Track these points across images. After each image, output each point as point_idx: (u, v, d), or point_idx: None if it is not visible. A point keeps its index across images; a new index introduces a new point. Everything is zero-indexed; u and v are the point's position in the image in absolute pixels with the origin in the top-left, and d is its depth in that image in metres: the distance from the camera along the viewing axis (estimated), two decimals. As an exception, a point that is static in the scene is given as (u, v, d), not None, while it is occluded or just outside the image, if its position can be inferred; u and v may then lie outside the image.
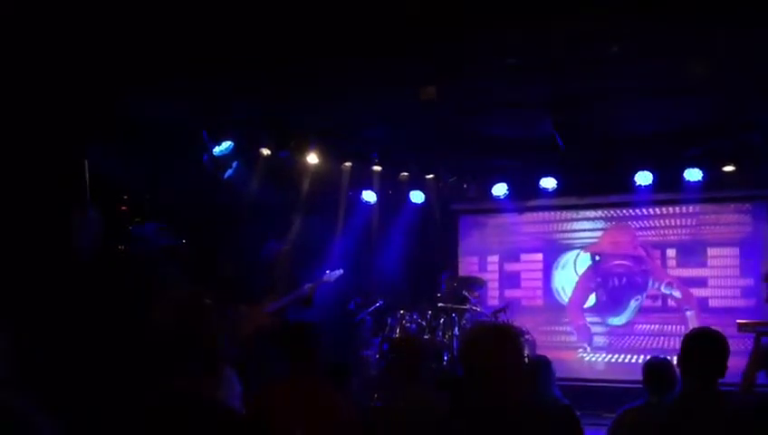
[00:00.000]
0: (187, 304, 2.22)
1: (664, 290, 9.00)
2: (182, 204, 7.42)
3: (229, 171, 7.20)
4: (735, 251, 8.78)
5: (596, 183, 9.07)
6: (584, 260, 9.40)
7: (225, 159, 7.20)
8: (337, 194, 8.85)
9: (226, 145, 7.13)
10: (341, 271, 7.28)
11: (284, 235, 7.71)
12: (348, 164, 8.55)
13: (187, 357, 2.13)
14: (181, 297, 2.26)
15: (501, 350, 2.50)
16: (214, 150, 7.09)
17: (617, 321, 9.14)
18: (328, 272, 7.22)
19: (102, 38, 5.20)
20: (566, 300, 9.43)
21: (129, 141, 6.45)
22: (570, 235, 9.56)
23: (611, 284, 9.23)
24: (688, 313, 8.81)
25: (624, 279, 9.17)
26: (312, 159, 7.92)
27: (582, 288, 9.37)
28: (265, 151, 7.47)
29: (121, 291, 6.21)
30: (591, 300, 9.33)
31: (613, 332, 9.16)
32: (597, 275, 9.32)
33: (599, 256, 9.34)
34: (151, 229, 7.22)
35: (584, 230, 9.51)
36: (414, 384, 3.95)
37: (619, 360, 9.02)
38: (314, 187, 8.28)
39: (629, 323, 9.10)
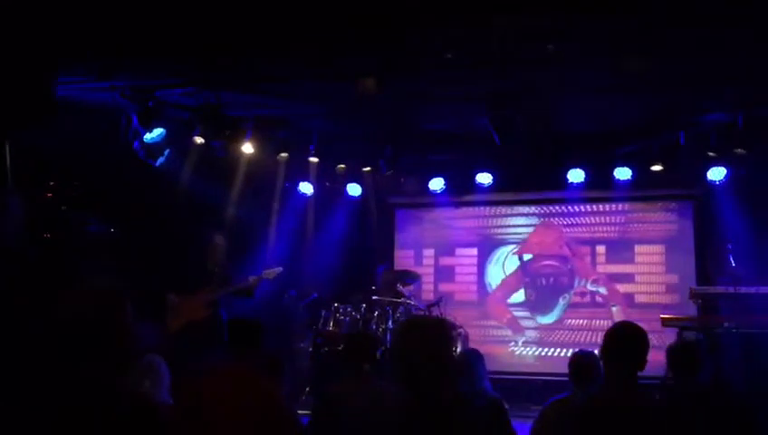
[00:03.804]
0: (99, 292, 2.19)
1: (590, 287, 9.24)
2: (112, 191, 7.22)
3: (161, 159, 7.02)
4: (661, 248, 9.06)
5: (530, 179, 9.22)
6: (512, 261, 9.56)
7: (157, 146, 7.01)
8: (273, 185, 8.75)
9: (158, 132, 6.95)
10: (281, 269, 7.22)
11: (218, 225, 7.58)
12: (284, 155, 8.45)
13: (101, 347, 2.09)
14: (92, 286, 2.23)
15: (431, 343, 2.51)
16: (145, 137, 6.90)
17: (546, 320, 9.33)
18: (267, 269, 7.15)
19: (29, 15, 4.99)
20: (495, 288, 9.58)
21: (57, 125, 6.23)
22: (504, 230, 9.71)
23: (539, 284, 9.42)
24: (614, 308, 9.06)
25: (552, 279, 9.38)
26: (248, 148, 7.80)
27: (508, 286, 9.54)
28: (199, 140, 7.32)
29: (45, 279, 6.00)
30: (518, 297, 9.49)
31: (543, 327, 9.35)
32: (525, 276, 9.49)
33: (527, 256, 9.51)
34: (79, 217, 7.00)
35: (518, 226, 9.67)
36: (367, 375, 4.03)
37: (549, 353, 9.21)
38: (250, 177, 8.16)
39: (559, 320, 9.29)
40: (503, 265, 9.59)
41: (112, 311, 2.15)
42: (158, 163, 7.08)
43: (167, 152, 7.08)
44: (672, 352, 4.25)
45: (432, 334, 2.57)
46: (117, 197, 7.24)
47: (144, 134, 6.92)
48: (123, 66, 6.14)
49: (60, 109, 5.95)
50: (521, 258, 9.54)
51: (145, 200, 7.37)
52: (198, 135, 7.33)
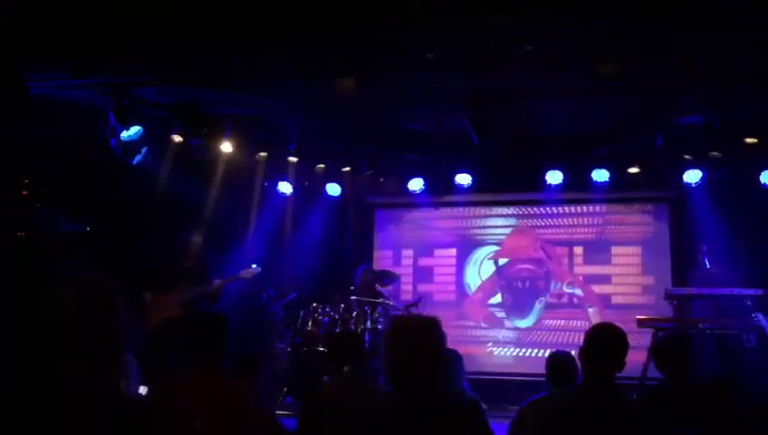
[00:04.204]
0: (92, 288, 2.16)
1: (566, 289, 9.30)
2: (88, 189, 7.14)
3: (138, 157, 6.96)
4: (638, 250, 9.14)
5: (509, 181, 9.27)
6: (488, 266, 9.60)
7: (134, 144, 6.95)
8: (252, 184, 8.71)
9: (136, 130, 6.88)
10: (259, 269, 7.18)
11: (196, 224, 7.53)
12: (263, 154, 8.41)
13: (90, 342, 2.06)
14: (85, 282, 2.19)
15: (424, 342, 2.50)
16: (122, 135, 6.83)
17: (523, 323, 9.37)
18: (246, 269, 7.11)
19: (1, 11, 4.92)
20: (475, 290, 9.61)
21: (32, 122, 6.15)
22: (483, 231, 9.74)
23: (515, 288, 9.47)
24: (590, 309, 9.13)
25: (527, 283, 9.43)
26: (227, 147, 7.75)
27: (485, 291, 9.58)
28: (177, 138, 7.25)
29: (20, 277, 5.92)
30: (495, 301, 9.54)
31: (521, 329, 9.39)
32: (501, 280, 9.54)
33: (502, 261, 9.56)
34: (53, 215, 6.92)
35: (497, 227, 9.70)
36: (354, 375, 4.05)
37: (527, 354, 9.24)
38: (228, 176, 8.11)
39: (536, 322, 9.34)
40: (478, 270, 9.62)
41: (105, 307, 2.11)
42: (135, 161, 7.01)
43: (144, 150, 7.02)
44: (660, 352, 4.20)
45: (425, 333, 2.56)
46: (93, 195, 7.16)
47: (121, 132, 6.85)
48: (99, 64, 6.08)
49: (35, 106, 5.87)
50: (496, 263, 9.59)
51: (122, 199, 7.29)
52: (176, 133, 7.27)
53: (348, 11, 5.17)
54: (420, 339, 2.54)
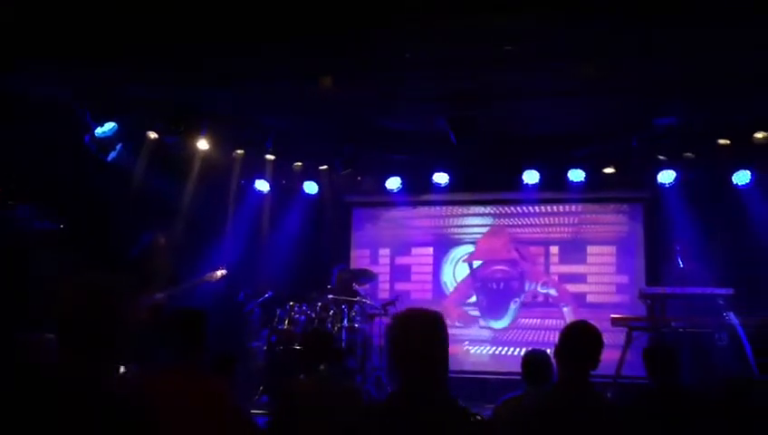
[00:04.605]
0: (92, 288, 2.17)
1: (540, 290, 9.37)
2: (61, 186, 7.04)
3: (113, 154, 6.88)
4: (612, 250, 9.23)
5: (486, 180, 9.31)
6: (463, 268, 9.64)
7: (108, 140, 6.86)
8: (228, 182, 8.65)
9: (110, 126, 6.80)
10: (225, 271, 7.09)
11: (171, 223, 7.46)
12: (240, 151, 8.36)
13: (88, 342, 2.05)
14: (95, 280, 2.21)
15: (431, 336, 2.48)
16: (96, 131, 6.74)
17: (499, 325, 9.41)
18: (212, 271, 7.03)
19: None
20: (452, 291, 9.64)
21: (4, 118, 6.06)
22: (460, 230, 9.77)
23: (490, 290, 9.51)
24: (565, 308, 9.20)
25: (502, 284, 9.48)
26: (203, 144, 7.69)
27: (460, 293, 9.61)
28: (152, 135, 7.17)
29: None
30: (471, 300, 9.57)
31: (497, 329, 9.44)
32: (476, 282, 9.58)
33: (476, 263, 9.60)
34: (26, 212, 6.82)
35: (474, 226, 9.74)
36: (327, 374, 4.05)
37: (503, 352, 9.30)
38: (205, 174, 8.05)
39: (512, 323, 9.39)
40: (453, 272, 9.66)
41: (104, 307, 2.10)
42: (109, 158, 6.93)
43: (119, 147, 6.93)
44: (651, 355, 4.20)
45: (434, 328, 2.53)
46: (67, 192, 7.07)
47: (95, 128, 6.76)
48: (74, 61, 6.00)
49: (6, 102, 5.79)
50: (470, 265, 9.63)
51: (96, 196, 7.20)
52: (152, 130, 7.20)
53: (325, 10, 5.16)
54: (433, 331, 2.50)
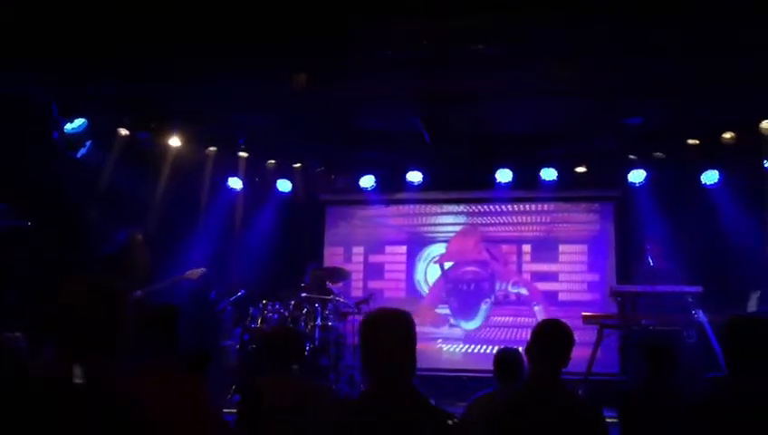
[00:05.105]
0: (102, 288, 2.18)
1: (511, 289, 9.43)
2: (30, 184, 6.92)
3: (82, 150, 6.78)
4: (584, 248, 9.32)
5: (460, 179, 9.35)
6: (434, 270, 9.67)
7: (77, 137, 6.76)
8: (201, 180, 8.57)
9: (80, 123, 6.70)
10: (204, 269, 7.06)
11: (142, 220, 7.38)
12: (213, 149, 8.29)
13: (87, 342, 2.05)
14: (95, 281, 2.21)
15: (402, 335, 2.51)
16: (65, 128, 6.64)
17: (470, 326, 9.45)
18: (192, 269, 6.99)
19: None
20: (427, 291, 9.66)
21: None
22: (433, 228, 9.80)
23: (461, 291, 9.55)
24: (536, 307, 9.27)
25: (473, 285, 9.53)
26: (175, 142, 7.61)
27: (434, 296, 9.65)
28: (123, 131, 7.08)
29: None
30: (444, 306, 9.62)
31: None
32: (448, 283, 9.61)
33: (447, 264, 9.63)
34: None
35: (447, 224, 9.78)
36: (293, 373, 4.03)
37: (476, 350, 9.34)
38: (176, 171, 7.97)
39: (483, 323, 9.43)
40: (425, 271, 9.68)
41: (103, 308, 2.09)
42: (78, 155, 6.84)
43: (88, 144, 6.84)
44: (651, 353, 4.16)
45: (405, 327, 2.56)
46: (36, 190, 6.95)
47: (65, 124, 6.66)
48: (43, 57, 5.90)
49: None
50: (442, 266, 9.66)
51: (66, 193, 7.09)
52: (123, 127, 7.11)
53: (299, 10, 5.14)
54: (401, 332, 2.52)
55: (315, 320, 7.68)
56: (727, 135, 7.55)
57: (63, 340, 2.10)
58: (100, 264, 6.83)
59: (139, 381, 3.27)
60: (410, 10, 5.10)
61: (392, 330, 2.52)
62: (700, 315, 6.58)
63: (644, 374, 4.12)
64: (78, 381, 2.01)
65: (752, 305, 6.76)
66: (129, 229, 6.80)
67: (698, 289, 6.71)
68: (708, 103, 7.04)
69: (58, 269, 6.27)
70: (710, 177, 8.09)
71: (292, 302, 7.88)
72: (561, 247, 9.36)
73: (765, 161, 7.48)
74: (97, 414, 1.99)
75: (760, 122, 7.19)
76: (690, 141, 7.76)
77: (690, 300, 6.70)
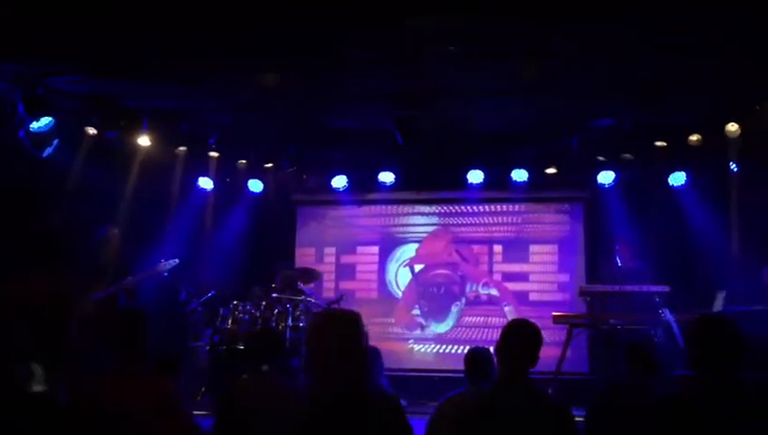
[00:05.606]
0: (47, 288, 2.14)
1: (482, 291, 9.47)
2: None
3: (49, 149, 6.67)
4: (554, 248, 9.40)
5: (431, 179, 9.38)
6: (405, 273, 9.69)
7: (44, 136, 6.65)
8: (171, 179, 8.49)
9: (46, 121, 6.59)
10: (177, 261, 7.01)
11: (111, 219, 7.28)
12: (183, 148, 8.21)
13: (51, 344, 2.00)
14: (40, 281, 2.16)
15: (347, 336, 2.50)
16: (32, 126, 6.53)
17: (441, 328, 9.46)
18: (162, 262, 6.92)
19: None
20: (399, 293, 9.67)
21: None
22: (405, 229, 9.82)
23: (431, 294, 9.57)
24: (507, 308, 9.33)
25: (443, 288, 9.56)
26: (144, 141, 7.53)
27: (407, 300, 9.65)
28: (91, 130, 6.98)
29: None
30: (416, 309, 9.65)
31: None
32: (419, 286, 9.63)
33: (418, 267, 9.66)
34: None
35: (419, 225, 9.79)
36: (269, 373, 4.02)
37: (447, 350, 9.37)
38: (146, 170, 7.88)
39: (454, 325, 9.46)
40: (396, 272, 9.69)
41: (70, 308, 2.04)
42: (45, 154, 6.72)
43: (55, 142, 6.73)
44: (632, 353, 4.22)
45: (348, 327, 2.56)
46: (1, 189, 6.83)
47: (30, 123, 6.55)
48: (8, 54, 5.80)
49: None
50: (412, 269, 9.68)
51: (33, 193, 6.97)
52: (90, 125, 7.01)
53: (270, 8, 5.11)
54: (344, 333, 2.54)
55: (286, 321, 7.65)
56: (694, 137, 7.68)
57: (17, 341, 2.04)
58: (73, 260, 6.75)
59: (106, 384, 3.23)
60: (381, 10, 5.10)
61: (338, 330, 2.53)
62: (667, 315, 6.67)
63: (624, 375, 4.16)
64: (37, 388, 1.97)
65: (718, 305, 6.86)
66: (104, 226, 6.73)
67: (665, 289, 6.80)
68: (676, 106, 7.15)
69: (29, 269, 6.16)
70: (677, 178, 8.20)
71: (264, 302, 7.84)
72: (532, 248, 9.43)
73: (731, 163, 7.62)
74: (56, 420, 1.94)
75: (726, 125, 7.32)
76: (658, 143, 7.87)
77: (657, 299, 6.78)
